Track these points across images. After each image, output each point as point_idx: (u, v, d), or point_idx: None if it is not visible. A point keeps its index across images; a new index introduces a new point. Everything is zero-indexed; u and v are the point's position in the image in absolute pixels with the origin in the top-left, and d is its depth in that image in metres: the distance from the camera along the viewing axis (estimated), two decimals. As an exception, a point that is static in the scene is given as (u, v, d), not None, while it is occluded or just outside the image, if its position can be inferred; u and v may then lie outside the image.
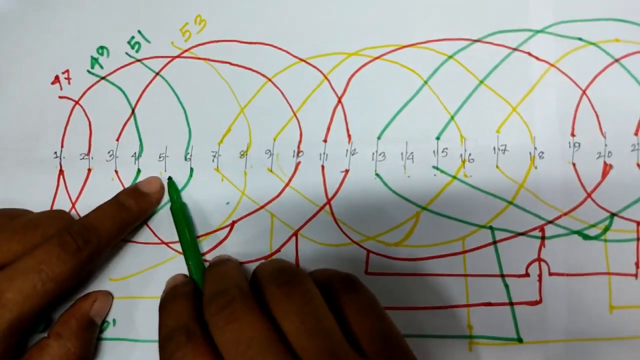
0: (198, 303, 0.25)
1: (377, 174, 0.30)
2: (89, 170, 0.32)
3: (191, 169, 0.31)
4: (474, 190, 0.29)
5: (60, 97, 0.33)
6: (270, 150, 0.31)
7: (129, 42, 0.33)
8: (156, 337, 0.24)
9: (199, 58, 0.32)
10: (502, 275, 0.28)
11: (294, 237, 0.30)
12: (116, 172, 0.32)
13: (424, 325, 0.28)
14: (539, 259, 0.28)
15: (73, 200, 0.32)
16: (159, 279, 0.29)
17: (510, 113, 0.29)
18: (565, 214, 0.28)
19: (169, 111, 0.32)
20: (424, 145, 0.29)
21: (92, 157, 0.32)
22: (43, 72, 0.34)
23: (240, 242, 0.30)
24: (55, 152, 0.33)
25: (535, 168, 0.29)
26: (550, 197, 0.28)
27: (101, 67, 0.33)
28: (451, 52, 0.30)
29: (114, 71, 0.33)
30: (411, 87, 0.30)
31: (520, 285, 0.28)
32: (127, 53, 0.33)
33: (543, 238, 0.28)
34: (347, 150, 0.30)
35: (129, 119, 0.32)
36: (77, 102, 0.33)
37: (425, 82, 0.30)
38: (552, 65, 0.29)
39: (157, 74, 0.33)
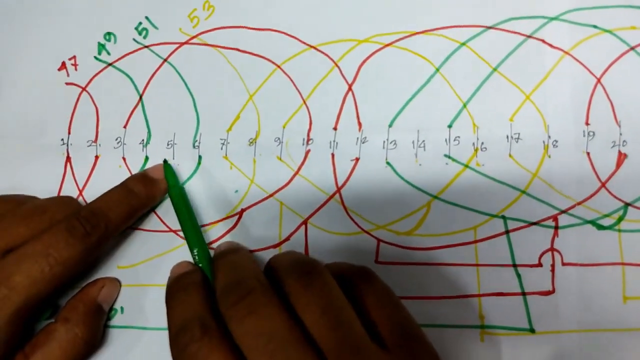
0: (208, 293, 0.25)
1: (388, 163, 0.29)
2: (97, 157, 0.32)
3: (199, 157, 0.31)
4: (486, 179, 0.28)
5: (67, 84, 0.33)
6: (279, 138, 0.30)
7: (136, 28, 0.33)
8: (164, 325, 0.24)
9: (207, 44, 0.32)
10: (515, 265, 0.28)
11: (303, 226, 0.29)
12: (124, 159, 0.32)
13: (435, 315, 0.28)
14: (552, 249, 0.28)
15: (80, 188, 0.32)
16: (167, 267, 0.29)
17: (523, 101, 0.29)
18: (579, 203, 0.28)
19: (176, 98, 0.32)
20: (435, 134, 0.29)
21: (99, 144, 0.32)
22: (50, 58, 0.33)
23: (249, 231, 0.30)
24: (63, 139, 0.32)
25: (549, 157, 0.28)
26: (563, 186, 0.28)
27: (108, 53, 0.33)
28: (464, 39, 0.30)
29: (121, 57, 0.33)
30: (423, 75, 0.30)
31: (532, 275, 0.27)
32: (134, 39, 0.33)
33: (556, 228, 0.28)
34: (357, 138, 0.30)
35: (136, 105, 0.32)
36: (84, 89, 0.33)
37: (437, 70, 0.30)
38: (566, 52, 0.29)
39: (165, 60, 0.32)
